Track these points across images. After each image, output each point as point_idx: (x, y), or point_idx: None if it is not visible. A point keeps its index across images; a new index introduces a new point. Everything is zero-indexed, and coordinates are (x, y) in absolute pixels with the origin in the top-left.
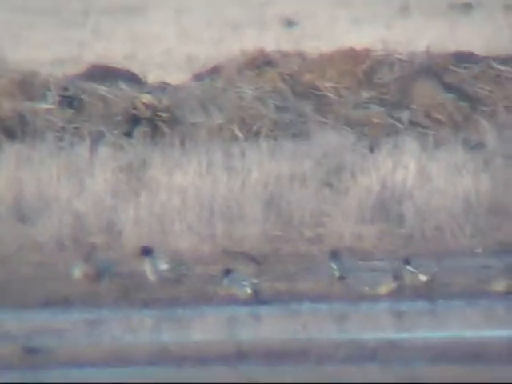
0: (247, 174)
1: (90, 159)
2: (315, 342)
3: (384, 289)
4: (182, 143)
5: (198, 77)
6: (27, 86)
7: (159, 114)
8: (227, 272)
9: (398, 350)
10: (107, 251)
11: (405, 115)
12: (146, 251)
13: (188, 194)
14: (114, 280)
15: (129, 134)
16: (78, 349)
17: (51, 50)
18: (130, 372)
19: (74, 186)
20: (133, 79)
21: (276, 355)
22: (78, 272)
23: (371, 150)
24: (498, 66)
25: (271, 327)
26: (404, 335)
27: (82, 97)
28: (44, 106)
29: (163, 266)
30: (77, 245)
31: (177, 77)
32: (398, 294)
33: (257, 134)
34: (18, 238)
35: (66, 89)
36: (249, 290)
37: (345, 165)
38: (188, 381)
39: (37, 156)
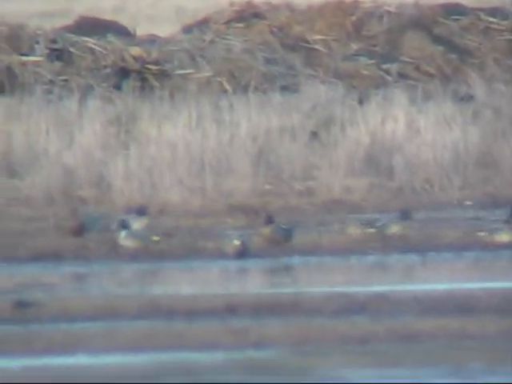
0: (236, 127)
1: (79, 112)
2: (304, 295)
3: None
4: (171, 96)
5: (187, 29)
6: (15, 38)
7: (148, 66)
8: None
9: (387, 303)
10: (96, 205)
11: (394, 67)
12: (141, 211)
13: (177, 147)
14: (104, 234)
15: (118, 87)
16: (67, 302)
17: (39, 3)
18: (119, 325)
19: (63, 140)
20: (122, 32)
21: (265, 309)
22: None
23: (360, 102)
24: (487, 18)
25: (260, 281)
26: (393, 288)
27: (71, 49)
28: (32, 58)
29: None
30: (66, 198)
31: (165, 29)
32: (384, 248)
33: (245, 86)
34: (8, 192)
35: (54, 41)
36: (237, 244)
37: (334, 117)
38: (177, 334)
39: (25, 109)
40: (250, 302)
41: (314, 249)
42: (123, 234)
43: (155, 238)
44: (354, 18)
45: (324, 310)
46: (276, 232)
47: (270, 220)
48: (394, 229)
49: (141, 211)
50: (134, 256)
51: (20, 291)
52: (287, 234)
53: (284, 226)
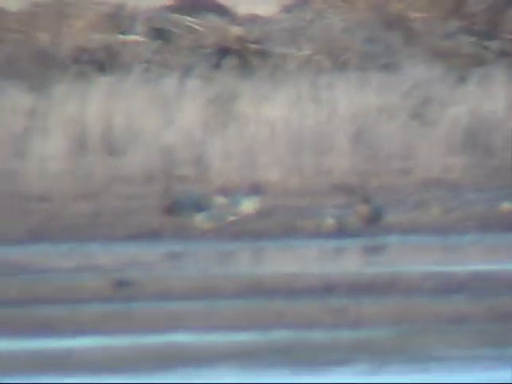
0: (335, 106)
1: (179, 91)
2: (402, 274)
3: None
4: (271, 75)
5: (287, 8)
6: (115, 18)
7: (248, 45)
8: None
9: (487, 283)
10: (195, 184)
11: (494, 45)
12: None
13: (276, 126)
14: (203, 213)
15: (217, 66)
16: (167, 282)
17: None
18: (218, 304)
19: (163, 119)
20: (222, 11)
21: (362, 288)
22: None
23: (460, 80)
24: None
25: (358, 260)
26: (494, 267)
27: (171, 28)
28: (132, 37)
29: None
30: (165, 177)
31: (266, 8)
32: (487, 226)
33: (345, 65)
34: (108, 171)
35: (154, 20)
36: (334, 222)
37: (433, 96)
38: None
39: (125, 88)
40: (347, 281)
41: (412, 227)
42: (200, 215)
43: (231, 218)
44: None
45: (422, 290)
46: (371, 211)
47: (365, 199)
48: (506, 206)
49: (254, 189)
50: (233, 235)
51: (120, 270)
52: (380, 213)
53: (377, 205)
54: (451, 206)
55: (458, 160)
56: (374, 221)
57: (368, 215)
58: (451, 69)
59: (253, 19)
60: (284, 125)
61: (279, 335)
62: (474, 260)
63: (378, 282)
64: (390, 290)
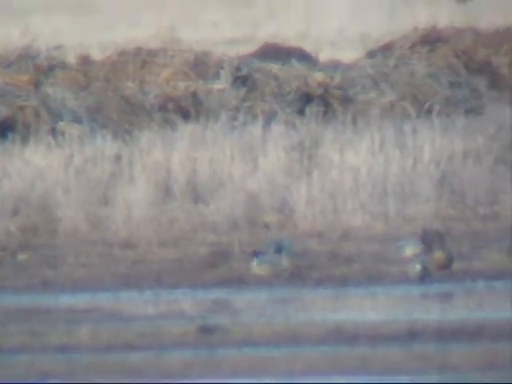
0: (419, 152)
1: (263, 137)
2: (490, 320)
3: None
4: (354, 121)
5: (371, 54)
6: (201, 65)
7: (331, 91)
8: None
9: None
10: (280, 230)
11: None
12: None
13: (360, 172)
14: (290, 259)
15: (301, 112)
16: (252, 328)
17: (224, 30)
18: (302, 351)
19: (247, 165)
20: (305, 57)
21: (449, 334)
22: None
23: None
24: None
25: (445, 305)
26: None
27: (255, 75)
28: (217, 85)
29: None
30: (250, 224)
31: (349, 54)
32: None
33: (429, 110)
34: (193, 218)
35: (239, 68)
36: (419, 268)
37: None
38: (361, 359)
39: (210, 135)
40: (432, 327)
41: (499, 273)
42: (255, 262)
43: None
44: None
45: (509, 336)
46: (445, 257)
47: (440, 245)
48: None
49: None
50: (317, 281)
51: (205, 316)
52: (452, 260)
53: (451, 251)
54: None
55: None
56: (447, 267)
57: (443, 262)
58: None
59: (336, 65)
60: (367, 170)
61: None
62: None
63: (465, 328)
64: (477, 336)
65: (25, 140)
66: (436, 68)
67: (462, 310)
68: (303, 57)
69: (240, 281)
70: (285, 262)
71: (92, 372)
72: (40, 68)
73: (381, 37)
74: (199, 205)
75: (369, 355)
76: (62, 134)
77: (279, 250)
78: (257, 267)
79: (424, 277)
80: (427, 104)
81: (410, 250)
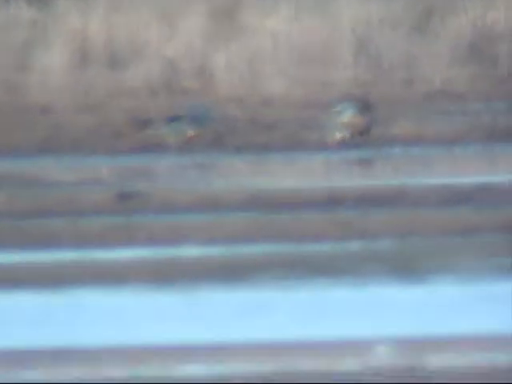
0: (338, 18)
1: (182, 3)
2: (407, 186)
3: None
4: None
5: None
6: None
7: None
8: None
9: (492, 194)
10: (199, 96)
11: None
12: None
13: (279, 38)
14: (209, 125)
15: None
16: (171, 193)
17: None
18: (222, 217)
19: (165, 31)
20: None
21: (368, 200)
22: None
23: None
24: None
25: (362, 172)
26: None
27: None
28: None
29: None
30: (169, 90)
31: None
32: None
33: None
34: (110, 84)
35: None
36: (339, 135)
37: (435, 7)
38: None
39: (127, 0)
40: (353, 194)
41: (416, 139)
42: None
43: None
44: None
45: (427, 201)
46: (365, 122)
47: (362, 110)
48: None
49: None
50: (237, 147)
51: (123, 183)
52: (371, 125)
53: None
54: (455, 118)
55: (461, 71)
56: (366, 132)
57: (362, 127)
58: None
59: None
60: (287, 36)
61: (284, 248)
62: (479, 171)
63: (383, 194)
64: (395, 202)
65: None
66: None
67: (380, 176)
68: None
69: (159, 147)
70: (201, 128)
71: (9, 237)
72: None
73: None
74: (117, 71)
75: (289, 221)
76: None
77: (196, 115)
78: (172, 133)
79: (343, 143)
80: None
81: (347, 115)
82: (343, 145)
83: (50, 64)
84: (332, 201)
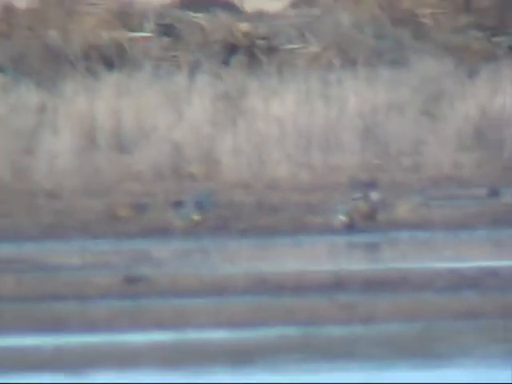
0: (344, 103)
1: (188, 88)
2: (413, 271)
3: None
4: (279, 71)
5: (295, 4)
6: (124, 15)
7: (256, 41)
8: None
9: (498, 279)
10: (206, 181)
11: (504, 40)
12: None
13: (285, 122)
14: (213, 210)
15: (226, 62)
16: (176, 278)
17: None
18: (228, 301)
19: (172, 115)
20: (229, 7)
21: (374, 284)
22: None
23: (470, 76)
24: None
25: (368, 256)
26: (503, 263)
27: (179, 25)
28: (141, 34)
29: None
30: (175, 174)
31: (274, 5)
32: (494, 222)
33: (354, 61)
34: (118, 168)
35: (163, 17)
36: (344, 218)
37: (443, 92)
38: (286, 310)
39: (135, 85)
40: (357, 277)
41: (422, 223)
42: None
43: (196, 218)
44: None
45: (433, 286)
46: (370, 206)
47: (366, 195)
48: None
49: (370, 184)
50: (242, 231)
51: (129, 266)
52: (377, 209)
53: (375, 201)
54: (461, 202)
55: (468, 156)
56: (372, 217)
57: (367, 211)
58: (460, 64)
59: (260, 15)
60: (293, 121)
61: (289, 331)
62: (485, 256)
63: (389, 278)
64: (400, 286)
65: None
66: (360, 18)
67: (386, 260)
68: (228, 6)
69: (165, 231)
70: (205, 212)
71: (17, 322)
72: None
73: None
74: (124, 155)
75: (294, 305)
76: None
77: (199, 200)
78: (177, 218)
79: (349, 227)
80: (352, 54)
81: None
82: (349, 228)
83: (57, 147)
84: (337, 284)
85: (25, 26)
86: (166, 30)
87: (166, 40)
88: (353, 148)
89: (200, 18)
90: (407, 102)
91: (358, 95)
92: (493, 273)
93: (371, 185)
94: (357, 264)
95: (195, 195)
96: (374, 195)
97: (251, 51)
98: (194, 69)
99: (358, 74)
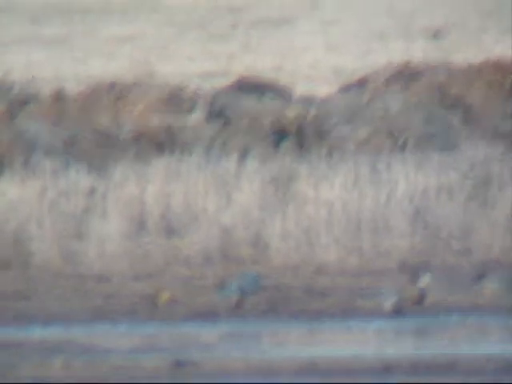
0: (394, 187)
1: (238, 172)
2: (463, 356)
3: None
4: (329, 156)
5: (345, 89)
6: (175, 99)
7: (306, 126)
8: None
9: None
10: (254, 265)
11: None
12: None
13: (334, 207)
14: (262, 294)
15: (276, 147)
16: (225, 362)
17: (200, 63)
18: None
19: (222, 199)
20: (280, 92)
21: (423, 369)
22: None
23: None
24: None
25: (418, 341)
26: None
27: (230, 110)
28: (192, 119)
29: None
30: (225, 258)
31: (323, 89)
32: None
33: (403, 146)
34: (166, 252)
35: (213, 102)
36: (394, 303)
37: (492, 177)
38: None
39: (185, 169)
40: (407, 363)
41: (472, 308)
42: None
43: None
44: None
45: (483, 372)
46: (419, 292)
47: (415, 280)
48: None
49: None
50: (291, 315)
51: (178, 351)
52: (426, 294)
53: (424, 286)
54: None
55: None
56: (420, 302)
57: (418, 295)
58: (510, 149)
59: (310, 100)
60: (342, 205)
61: None
62: None
63: (437, 363)
64: (449, 372)
65: None
66: (410, 103)
67: (435, 345)
68: (278, 91)
69: (212, 315)
70: (252, 296)
71: None
72: (14, 101)
73: (355, 71)
74: (173, 239)
75: None
76: (36, 167)
77: (247, 284)
78: (224, 301)
79: (398, 311)
80: (401, 139)
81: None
82: (398, 313)
83: (106, 232)
84: (386, 370)
85: (76, 111)
86: (217, 114)
87: (216, 125)
88: (402, 232)
89: (250, 102)
90: (457, 187)
91: (407, 179)
92: None
93: (421, 269)
94: (406, 349)
95: (243, 278)
96: (424, 280)
97: (300, 136)
98: (243, 153)
99: (407, 159)
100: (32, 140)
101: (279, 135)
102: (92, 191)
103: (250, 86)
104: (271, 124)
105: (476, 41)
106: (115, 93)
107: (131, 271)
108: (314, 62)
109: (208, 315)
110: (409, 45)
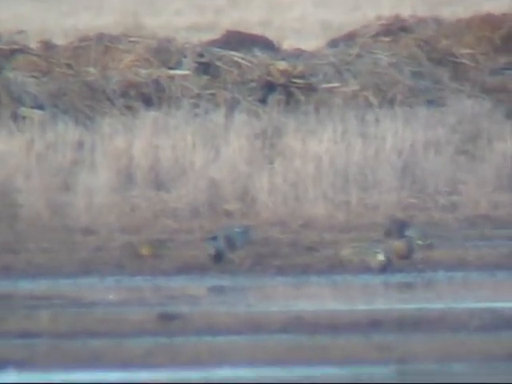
0: (382, 142)
1: (225, 126)
2: (449, 311)
3: None
4: (317, 110)
5: (333, 43)
6: (163, 52)
7: (294, 80)
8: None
9: None
10: (242, 218)
11: None
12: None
13: (322, 161)
14: (249, 247)
15: (263, 101)
16: (211, 316)
17: (187, 17)
18: (262, 339)
19: (209, 153)
20: (268, 46)
21: (409, 324)
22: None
23: (507, 116)
24: None
25: (404, 296)
26: None
27: (218, 63)
28: (180, 72)
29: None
30: (212, 212)
31: (311, 43)
32: None
33: (391, 100)
34: (155, 205)
35: (201, 55)
36: (381, 258)
37: (481, 132)
38: (321, 349)
39: (172, 123)
40: (393, 318)
41: (459, 263)
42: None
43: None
44: (502, 31)
45: (469, 326)
46: (406, 246)
47: (402, 234)
48: None
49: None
50: (278, 270)
51: (165, 304)
52: (413, 249)
53: (412, 241)
54: (498, 242)
55: (506, 196)
56: (408, 257)
57: (404, 250)
58: (498, 104)
59: (298, 54)
60: (330, 159)
61: (324, 371)
62: None
63: (424, 319)
64: (436, 327)
65: None
66: (398, 58)
67: (421, 300)
68: (266, 45)
69: (199, 269)
70: (239, 249)
71: (51, 357)
72: (1, 53)
73: (343, 26)
74: (161, 192)
75: (329, 345)
76: (24, 119)
77: (234, 237)
78: (211, 255)
79: (385, 266)
80: (389, 94)
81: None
82: (384, 268)
83: (94, 184)
84: (372, 324)
85: (63, 63)
86: (204, 67)
87: (204, 78)
88: (390, 186)
89: (238, 56)
90: (444, 142)
91: (396, 134)
92: None
93: (408, 224)
94: (392, 304)
95: (229, 232)
96: (411, 234)
97: (288, 90)
98: (231, 107)
99: (395, 114)
100: (19, 92)
101: (267, 89)
102: (80, 144)
103: (238, 40)
104: (259, 78)
105: None
106: (103, 45)
107: (119, 224)
108: (301, 16)
109: (195, 268)
110: None
